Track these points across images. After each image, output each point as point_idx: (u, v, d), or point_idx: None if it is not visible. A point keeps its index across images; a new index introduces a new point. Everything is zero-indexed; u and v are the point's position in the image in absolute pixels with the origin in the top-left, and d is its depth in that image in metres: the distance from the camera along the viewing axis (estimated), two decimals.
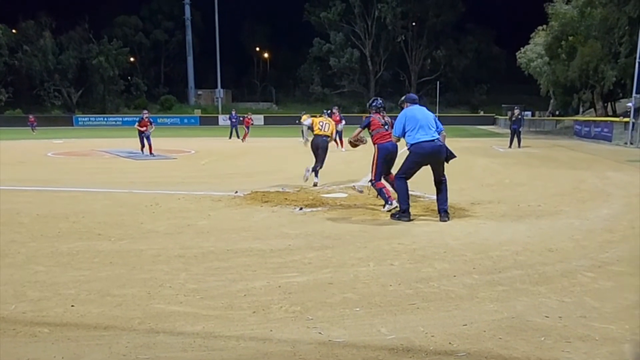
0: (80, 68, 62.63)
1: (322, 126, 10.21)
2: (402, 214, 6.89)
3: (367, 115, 8.11)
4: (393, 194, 7.42)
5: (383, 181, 7.69)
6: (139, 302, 3.86)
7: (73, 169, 14.26)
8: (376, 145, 7.72)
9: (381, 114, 7.96)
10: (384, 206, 7.45)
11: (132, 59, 68.05)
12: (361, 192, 9.00)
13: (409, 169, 7.05)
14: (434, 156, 6.95)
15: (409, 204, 6.92)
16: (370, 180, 7.83)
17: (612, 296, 4.03)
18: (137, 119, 18.76)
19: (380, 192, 7.58)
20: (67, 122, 54.61)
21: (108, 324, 3.46)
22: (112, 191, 9.37)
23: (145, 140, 17.73)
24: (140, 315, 3.60)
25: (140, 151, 17.89)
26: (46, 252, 5.23)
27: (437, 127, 7.05)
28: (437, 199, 7.03)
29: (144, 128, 17.75)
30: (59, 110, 60.31)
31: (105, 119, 57.90)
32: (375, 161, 7.68)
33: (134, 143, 19.51)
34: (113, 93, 64.69)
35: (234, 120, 29.16)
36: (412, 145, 6.94)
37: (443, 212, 6.89)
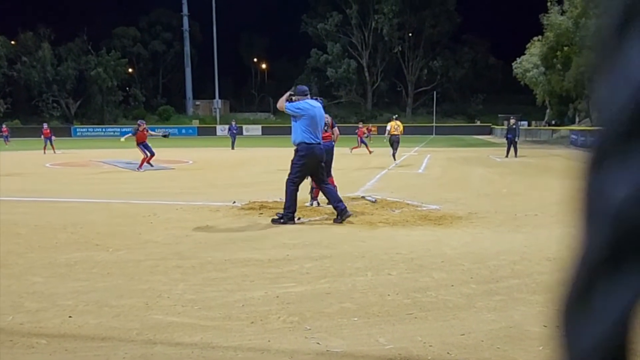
0: (79, 79, 62.83)
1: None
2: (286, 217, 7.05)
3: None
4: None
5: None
6: (136, 312, 3.86)
7: (70, 180, 14.25)
8: None
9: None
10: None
11: (130, 70, 68.30)
12: (374, 201, 9.01)
13: (299, 173, 7.15)
14: (320, 158, 7.18)
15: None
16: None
17: None
18: (131, 131, 17.18)
19: (311, 190, 8.52)
20: (66, 133, 54.58)
21: (106, 335, 3.45)
22: (110, 201, 9.37)
23: (145, 150, 16.48)
24: (138, 326, 3.60)
25: (149, 164, 16.63)
26: (44, 263, 5.22)
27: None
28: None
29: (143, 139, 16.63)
30: (58, 121, 60.37)
31: (104, 129, 57.98)
32: None
33: (132, 153, 19.47)
34: (111, 104, 64.85)
35: (234, 131, 29.24)
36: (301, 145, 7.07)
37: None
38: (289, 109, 7.10)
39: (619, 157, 0.33)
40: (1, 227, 7.04)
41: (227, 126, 57.60)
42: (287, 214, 7.11)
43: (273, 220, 7.14)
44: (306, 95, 7.34)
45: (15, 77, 59.68)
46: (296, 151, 7.19)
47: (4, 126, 37.68)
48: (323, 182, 7.40)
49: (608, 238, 0.34)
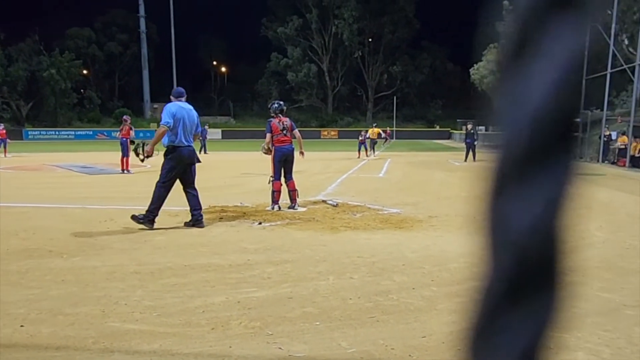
0: (31, 80, 60.83)
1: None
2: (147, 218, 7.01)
3: (269, 119, 8.81)
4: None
5: (282, 184, 8.59)
6: (92, 320, 3.74)
7: (23, 184, 13.76)
8: (274, 147, 8.63)
9: (280, 117, 8.68)
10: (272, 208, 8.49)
11: (85, 72, 66.59)
12: (336, 205, 9.02)
13: (169, 176, 7.12)
14: (190, 161, 7.22)
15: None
16: (271, 177, 8.67)
17: (564, 306, 4.13)
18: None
19: (272, 193, 8.59)
20: (17, 136, 52.84)
21: (60, 344, 3.34)
22: (65, 206, 9.09)
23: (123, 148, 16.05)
24: (95, 335, 3.49)
25: (122, 169, 16.33)
26: None
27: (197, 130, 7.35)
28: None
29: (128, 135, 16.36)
30: (8, 124, 58.18)
31: (57, 132, 56.35)
32: (272, 161, 8.65)
33: (87, 157, 18.99)
34: (65, 106, 63.03)
35: (205, 134, 28.87)
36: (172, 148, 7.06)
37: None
38: (163, 123, 6.95)
39: (517, 184, 0.33)
40: None
41: None
42: (148, 216, 7.00)
43: (133, 217, 7.04)
44: (181, 97, 7.29)
45: None
46: (165, 154, 7.12)
47: None
48: (189, 186, 7.32)
49: (510, 269, 0.34)
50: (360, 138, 25.04)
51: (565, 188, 0.35)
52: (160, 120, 7.07)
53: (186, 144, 7.08)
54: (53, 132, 56.31)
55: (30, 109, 61.81)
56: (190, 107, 7.30)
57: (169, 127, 6.93)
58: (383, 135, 28.16)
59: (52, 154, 27.60)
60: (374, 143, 25.80)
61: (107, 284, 4.64)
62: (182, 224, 7.43)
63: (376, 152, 26.75)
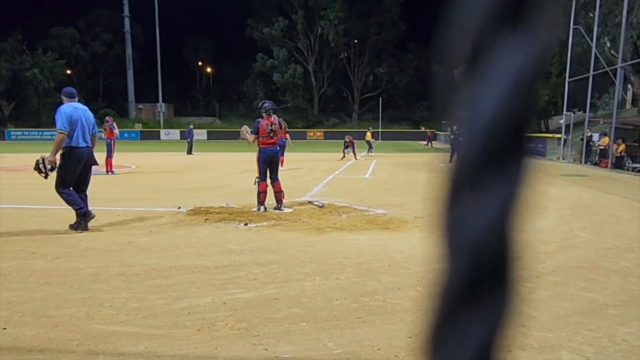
0: (13, 80, 60.08)
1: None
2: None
3: (257, 119, 8.76)
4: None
5: (268, 185, 8.65)
6: (77, 322, 3.71)
7: (5, 185, 13.58)
8: (259, 148, 8.64)
9: (270, 118, 8.64)
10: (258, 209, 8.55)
11: (68, 72, 65.91)
12: (322, 206, 9.02)
13: (66, 177, 7.02)
14: (88, 162, 7.13)
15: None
16: (257, 178, 8.69)
17: (549, 305, 4.19)
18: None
19: (258, 194, 8.61)
20: None
21: (44, 346, 3.30)
22: (48, 207, 9.00)
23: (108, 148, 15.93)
24: (79, 337, 3.46)
25: (107, 170, 16.13)
26: None
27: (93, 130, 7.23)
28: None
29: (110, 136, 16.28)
30: None
31: (40, 132, 55.71)
32: (257, 162, 8.68)
33: None
34: (48, 106, 62.28)
35: (191, 135, 28.69)
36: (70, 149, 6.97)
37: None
38: (61, 129, 6.80)
39: (473, 190, 0.35)
40: None
41: (171, 130, 56.85)
42: (79, 214, 6.93)
43: (70, 226, 6.97)
44: (73, 97, 7.19)
45: None
46: (62, 156, 7.00)
47: None
48: (82, 191, 7.18)
49: (466, 271, 0.35)
50: (347, 141, 24.91)
51: (518, 191, 0.36)
52: (56, 126, 6.82)
53: (84, 145, 6.95)
54: (36, 133, 55.69)
55: (13, 109, 61.07)
56: (85, 107, 7.15)
57: (67, 132, 6.79)
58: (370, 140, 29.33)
59: (35, 155, 27.24)
60: (369, 145, 28.60)
61: (92, 285, 4.60)
62: (168, 225, 7.39)
63: (366, 153, 27.59)
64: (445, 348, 0.37)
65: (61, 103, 7.10)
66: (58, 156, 6.98)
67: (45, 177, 7.05)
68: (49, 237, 6.61)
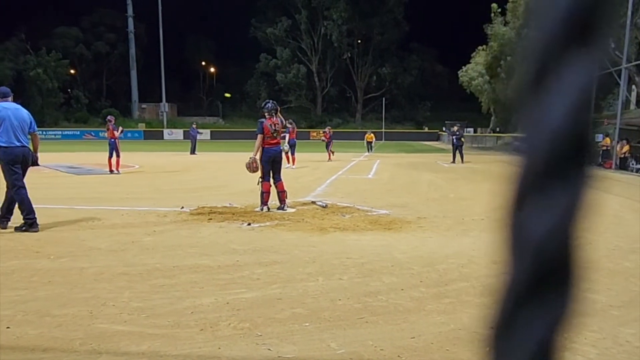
0: (17, 80, 60.20)
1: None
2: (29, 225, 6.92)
3: (260, 119, 8.76)
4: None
5: (271, 185, 8.69)
6: (80, 322, 3.72)
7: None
8: (262, 148, 8.67)
9: (273, 118, 8.70)
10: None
11: (72, 71, 66.08)
12: (325, 206, 9.02)
13: (13, 177, 6.98)
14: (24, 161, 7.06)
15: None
16: (260, 178, 8.73)
17: (577, 302, 4.17)
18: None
19: (261, 194, 8.64)
20: None
21: (47, 345, 3.31)
22: (51, 207, 9.01)
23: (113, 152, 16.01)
24: (82, 336, 3.46)
25: (110, 169, 16.13)
26: None
27: (32, 128, 7.17)
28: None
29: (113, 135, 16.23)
30: None
31: (44, 132, 55.80)
32: (260, 163, 8.70)
33: (74, 157, 18.82)
34: (52, 106, 62.52)
35: (194, 134, 28.71)
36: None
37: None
38: None
39: (537, 196, 0.38)
40: None
41: (174, 130, 56.91)
42: (27, 222, 6.89)
43: (16, 229, 6.91)
44: (6, 97, 7.16)
45: None
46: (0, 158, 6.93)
47: None
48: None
49: (529, 271, 0.38)
50: (323, 139, 23.98)
51: (580, 198, 0.39)
52: None
53: (18, 144, 6.90)
54: (40, 132, 55.28)
55: None
56: (17, 106, 7.11)
57: None
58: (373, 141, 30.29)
59: (39, 154, 27.32)
60: (370, 145, 30.35)
61: (95, 285, 4.60)
62: (171, 225, 7.40)
63: (366, 153, 28.33)
64: (509, 344, 0.40)
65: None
66: None
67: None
68: (52, 236, 6.63)
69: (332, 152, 23.56)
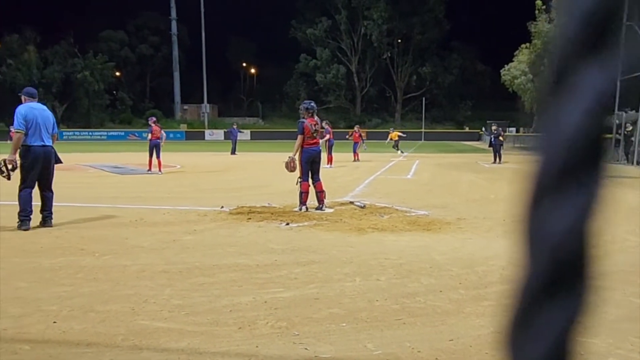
0: (65, 82, 62.25)
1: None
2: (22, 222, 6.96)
3: (300, 120, 8.84)
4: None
5: (310, 185, 8.69)
6: (122, 318, 3.81)
7: (55, 183, 14.05)
8: (302, 148, 8.72)
9: (313, 118, 8.78)
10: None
11: (117, 74, 67.90)
12: (363, 207, 9.01)
13: (27, 177, 7.02)
14: (47, 161, 7.13)
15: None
16: (299, 178, 8.76)
17: (596, 311, 4.05)
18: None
19: (300, 194, 8.68)
20: None
21: (91, 340, 3.40)
22: (96, 206, 9.28)
23: (154, 153, 16.17)
24: (124, 332, 3.55)
25: (149, 169, 16.34)
26: (28, 268, 5.14)
27: (54, 130, 7.26)
28: None
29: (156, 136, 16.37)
30: None
31: (90, 133, 57.59)
32: (300, 163, 8.74)
33: (119, 157, 19.30)
34: (98, 107, 64.41)
35: (236, 135, 29.06)
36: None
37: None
38: (17, 128, 6.89)
39: (555, 195, 0.39)
40: None
41: (215, 131, 57.73)
42: (22, 218, 6.96)
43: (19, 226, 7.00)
44: (33, 98, 7.25)
45: (0, 79, 59.07)
46: (21, 156, 7.04)
47: None
48: (46, 189, 7.29)
49: (546, 268, 0.39)
50: (348, 137, 23.45)
51: (595, 198, 0.40)
52: (13, 126, 7.00)
53: (41, 144, 7.05)
54: (86, 133, 57.54)
55: (65, 110, 63.28)
56: (43, 107, 7.27)
57: (23, 131, 6.90)
58: (401, 136, 28.63)
59: (85, 154, 28.16)
60: (396, 144, 28.03)
61: (137, 282, 4.71)
62: (211, 224, 7.51)
63: (405, 153, 27.40)
64: (525, 339, 0.40)
65: (20, 102, 7.25)
66: (17, 156, 7.12)
67: (8, 178, 7.11)
68: (97, 234, 6.81)
69: (358, 154, 22.94)
